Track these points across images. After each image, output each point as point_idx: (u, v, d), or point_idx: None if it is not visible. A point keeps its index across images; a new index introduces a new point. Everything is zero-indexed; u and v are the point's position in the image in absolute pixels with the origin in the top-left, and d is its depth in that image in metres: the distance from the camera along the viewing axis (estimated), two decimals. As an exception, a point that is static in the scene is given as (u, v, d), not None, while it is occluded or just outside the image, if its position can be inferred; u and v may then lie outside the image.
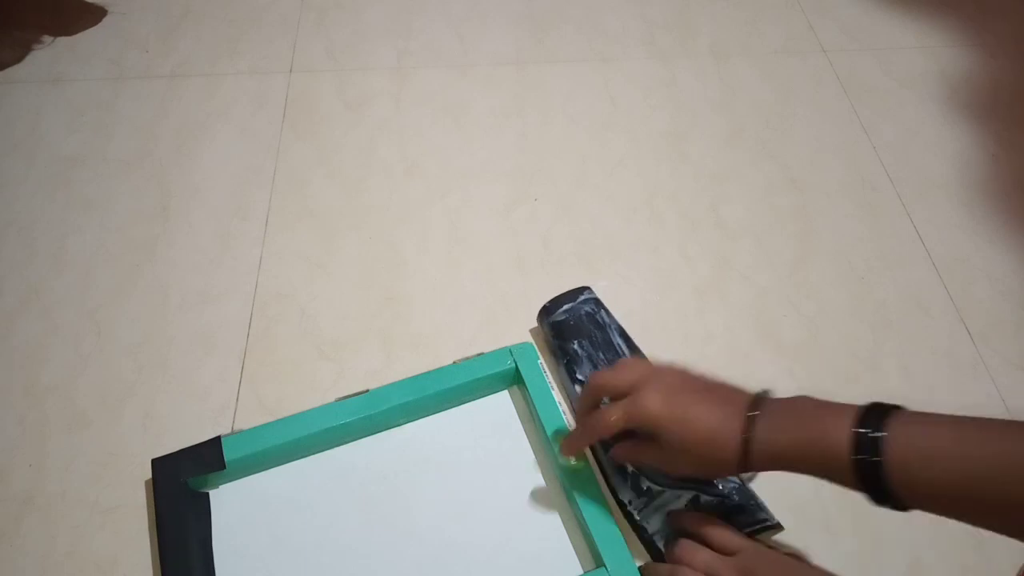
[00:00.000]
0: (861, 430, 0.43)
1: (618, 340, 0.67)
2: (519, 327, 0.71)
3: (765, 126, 0.88)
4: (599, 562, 0.55)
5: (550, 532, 0.59)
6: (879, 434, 0.42)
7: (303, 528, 0.59)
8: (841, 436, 0.43)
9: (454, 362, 0.65)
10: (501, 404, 0.65)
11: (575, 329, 0.67)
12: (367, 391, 0.62)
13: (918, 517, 0.60)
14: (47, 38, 0.95)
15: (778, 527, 0.57)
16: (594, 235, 0.78)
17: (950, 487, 0.41)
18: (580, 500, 0.57)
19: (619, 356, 0.65)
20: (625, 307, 0.72)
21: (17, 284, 0.73)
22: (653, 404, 0.49)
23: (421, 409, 0.64)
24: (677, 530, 0.56)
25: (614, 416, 0.51)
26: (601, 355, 0.65)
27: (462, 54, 0.94)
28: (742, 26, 0.98)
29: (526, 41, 0.95)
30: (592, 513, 0.57)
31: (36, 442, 0.64)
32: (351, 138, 0.85)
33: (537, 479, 0.62)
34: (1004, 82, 0.93)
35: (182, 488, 0.58)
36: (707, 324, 0.71)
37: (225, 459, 0.58)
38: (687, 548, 0.53)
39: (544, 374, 0.64)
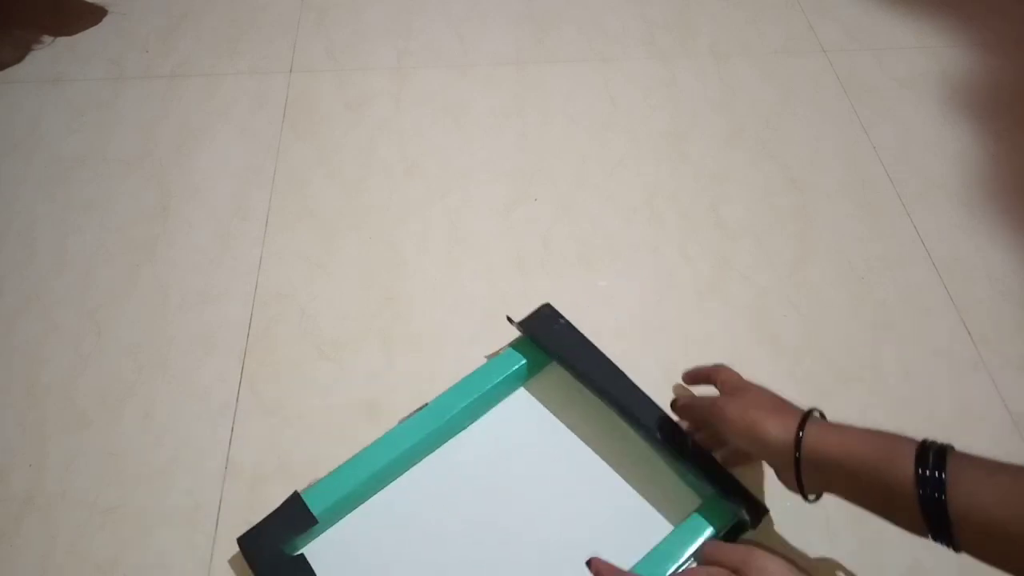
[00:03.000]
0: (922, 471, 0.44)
1: None
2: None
3: (765, 126, 0.88)
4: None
5: (625, 498, 0.60)
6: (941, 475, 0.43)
7: (407, 557, 0.57)
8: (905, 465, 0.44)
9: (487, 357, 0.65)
10: (542, 389, 0.66)
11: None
12: (426, 405, 0.62)
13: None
14: (47, 38, 0.95)
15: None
16: (594, 235, 0.78)
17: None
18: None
19: None
20: (625, 308, 0.72)
21: (17, 284, 0.73)
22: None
23: (480, 409, 0.64)
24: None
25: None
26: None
27: (462, 54, 0.94)
28: (742, 26, 0.98)
29: (526, 41, 0.95)
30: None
31: (36, 442, 0.64)
32: (351, 138, 0.85)
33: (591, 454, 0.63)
34: (1004, 82, 0.93)
35: (280, 558, 0.54)
36: (707, 324, 0.71)
37: (314, 512, 0.55)
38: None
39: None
